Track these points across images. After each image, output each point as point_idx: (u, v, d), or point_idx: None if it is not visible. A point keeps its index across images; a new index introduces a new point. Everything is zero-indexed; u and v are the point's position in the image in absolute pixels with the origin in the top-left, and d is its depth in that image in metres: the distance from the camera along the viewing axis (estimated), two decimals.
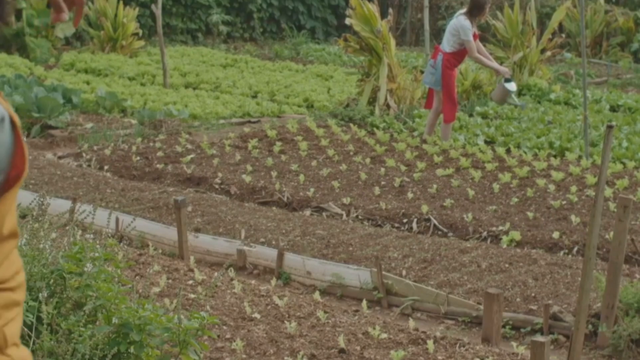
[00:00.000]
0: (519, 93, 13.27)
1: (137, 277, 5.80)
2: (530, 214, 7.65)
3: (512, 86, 10.45)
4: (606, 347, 5.26)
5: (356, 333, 5.08)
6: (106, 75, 15.71)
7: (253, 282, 6.13)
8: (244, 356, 4.75)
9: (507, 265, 6.43)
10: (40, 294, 2.55)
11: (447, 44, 10.22)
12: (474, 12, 10.19)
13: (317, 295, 5.80)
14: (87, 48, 18.40)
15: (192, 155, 9.90)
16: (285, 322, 5.20)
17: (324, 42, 23.25)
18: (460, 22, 10.15)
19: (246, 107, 12.95)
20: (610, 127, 4.31)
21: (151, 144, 10.56)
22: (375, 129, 11.30)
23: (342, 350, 4.83)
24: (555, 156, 10.03)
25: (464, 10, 10.36)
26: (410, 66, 15.40)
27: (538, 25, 15.07)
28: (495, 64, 10.68)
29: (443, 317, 5.85)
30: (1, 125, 1.69)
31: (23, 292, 1.83)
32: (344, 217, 7.98)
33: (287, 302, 5.52)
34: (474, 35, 10.23)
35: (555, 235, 7.14)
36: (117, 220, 6.92)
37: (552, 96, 13.75)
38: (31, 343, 2.50)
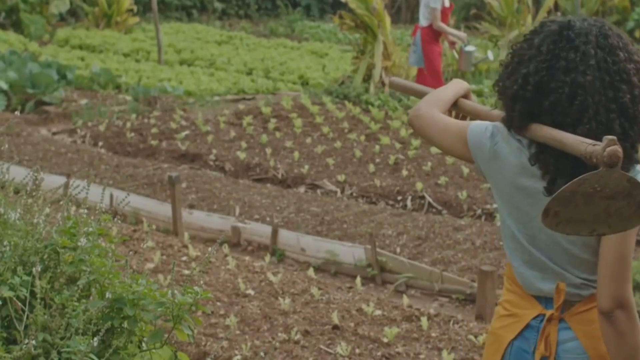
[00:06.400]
0: None
1: (131, 252, 5.80)
2: None
3: (471, 48, 10.79)
4: None
5: (350, 310, 5.09)
6: (101, 52, 15.65)
7: (247, 258, 6.14)
8: (237, 332, 4.76)
9: (501, 243, 6.44)
10: (33, 269, 2.54)
11: (423, 18, 10.18)
12: None
13: (311, 272, 5.81)
14: (82, 24, 18.32)
15: (186, 132, 9.88)
16: (279, 298, 5.21)
17: (319, 20, 23.17)
18: None
19: (241, 84, 12.92)
20: None
21: (145, 120, 10.54)
22: (370, 106, 11.28)
23: (335, 327, 4.84)
24: None
25: None
26: (405, 44, 15.36)
27: (533, 3, 15.02)
28: (454, 31, 10.66)
29: (437, 295, 5.87)
30: None
31: None
32: (339, 194, 7.98)
33: (281, 278, 5.53)
34: (450, 7, 10.20)
35: None
36: (111, 196, 6.91)
37: None
38: (25, 317, 2.50)
